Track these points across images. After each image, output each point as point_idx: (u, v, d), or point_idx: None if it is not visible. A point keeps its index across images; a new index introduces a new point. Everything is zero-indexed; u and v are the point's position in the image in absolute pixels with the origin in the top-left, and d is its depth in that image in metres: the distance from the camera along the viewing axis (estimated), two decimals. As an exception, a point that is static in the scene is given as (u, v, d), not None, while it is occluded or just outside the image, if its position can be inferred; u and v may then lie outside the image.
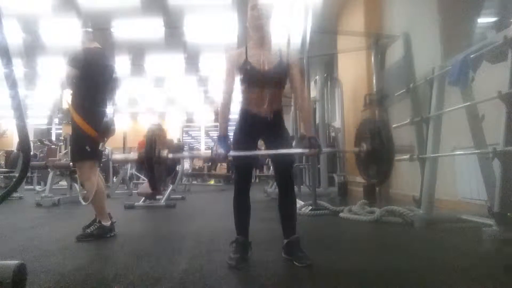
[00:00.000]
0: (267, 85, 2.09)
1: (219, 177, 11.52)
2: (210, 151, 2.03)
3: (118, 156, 2.29)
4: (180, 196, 6.46)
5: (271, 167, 7.23)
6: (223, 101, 2.10)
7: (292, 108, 7.26)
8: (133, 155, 2.09)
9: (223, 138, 2.06)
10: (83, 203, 2.97)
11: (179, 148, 8.96)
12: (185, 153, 2.17)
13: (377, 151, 2.07)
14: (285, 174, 2.21)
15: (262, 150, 2.47)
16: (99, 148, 2.97)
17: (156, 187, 2.01)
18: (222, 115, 2.11)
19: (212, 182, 11.08)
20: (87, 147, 2.83)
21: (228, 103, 2.10)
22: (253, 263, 2.08)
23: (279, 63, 2.09)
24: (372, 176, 2.12)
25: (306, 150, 2.09)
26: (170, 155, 2.13)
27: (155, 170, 1.98)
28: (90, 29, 3.12)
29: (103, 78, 2.98)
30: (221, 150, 2.01)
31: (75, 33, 3.10)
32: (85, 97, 2.87)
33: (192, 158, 12.14)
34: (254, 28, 2.09)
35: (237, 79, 2.13)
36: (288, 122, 6.68)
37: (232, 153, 2.06)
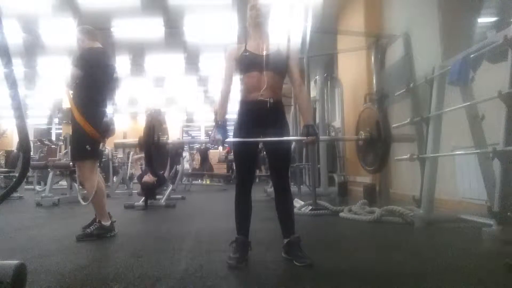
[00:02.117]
0: (266, 68, 2.10)
1: (219, 177, 11.52)
2: (208, 137, 2.09)
3: (117, 141, 2.32)
4: (180, 196, 6.46)
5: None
6: (222, 90, 2.16)
7: (292, 108, 7.25)
8: (133, 140, 2.12)
9: (221, 124, 2.09)
10: (83, 203, 2.97)
11: (179, 147, 8.95)
12: (184, 139, 2.22)
13: (375, 139, 2.13)
14: (281, 172, 2.20)
15: (261, 138, 2.44)
16: (100, 148, 2.97)
17: (156, 173, 2.02)
18: (220, 103, 2.16)
19: (208, 182, 11.06)
20: (87, 147, 2.83)
21: (227, 92, 2.15)
22: (253, 263, 2.08)
23: (277, 51, 2.16)
24: (370, 163, 2.17)
25: (304, 138, 2.09)
26: (170, 141, 2.16)
27: (153, 156, 1.99)
28: (93, 29, 3.12)
29: (105, 78, 2.98)
30: (219, 136, 2.04)
31: (75, 33, 3.09)
32: (87, 97, 2.87)
33: (192, 159, 12.13)
34: (253, 26, 2.18)
35: (236, 74, 2.17)
36: (288, 122, 6.66)
37: (230, 139, 2.09)
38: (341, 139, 2.38)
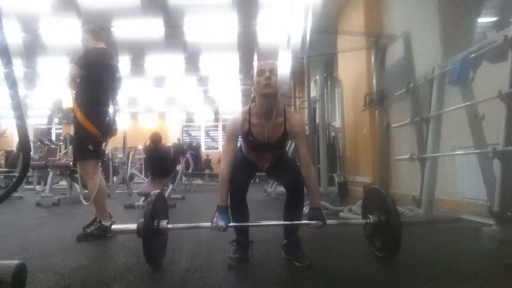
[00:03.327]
0: (269, 152, 2.15)
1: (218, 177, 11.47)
2: (210, 222, 1.94)
3: (117, 227, 2.26)
4: (180, 196, 6.45)
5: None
6: (223, 171, 2.02)
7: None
8: (133, 226, 2.01)
9: (223, 209, 1.97)
10: (85, 202, 2.97)
11: (179, 147, 8.95)
12: (184, 225, 2.17)
13: (383, 225, 2.03)
14: (295, 179, 2.14)
15: (264, 221, 2.49)
16: (102, 148, 2.98)
17: (154, 262, 1.92)
18: (222, 185, 2.01)
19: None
20: (90, 146, 2.83)
21: (228, 173, 2.01)
22: (253, 263, 2.08)
23: (282, 135, 2.06)
24: (379, 249, 2.09)
25: (311, 222, 2.01)
26: (170, 226, 2.10)
27: (153, 243, 1.93)
28: (98, 29, 3.11)
29: (108, 78, 2.98)
30: (221, 223, 1.92)
31: (76, 33, 3.10)
32: (90, 97, 2.87)
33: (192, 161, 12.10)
34: (261, 95, 1.98)
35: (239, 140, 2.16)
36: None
37: (231, 224, 1.97)
38: (347, 224, 2.31)
